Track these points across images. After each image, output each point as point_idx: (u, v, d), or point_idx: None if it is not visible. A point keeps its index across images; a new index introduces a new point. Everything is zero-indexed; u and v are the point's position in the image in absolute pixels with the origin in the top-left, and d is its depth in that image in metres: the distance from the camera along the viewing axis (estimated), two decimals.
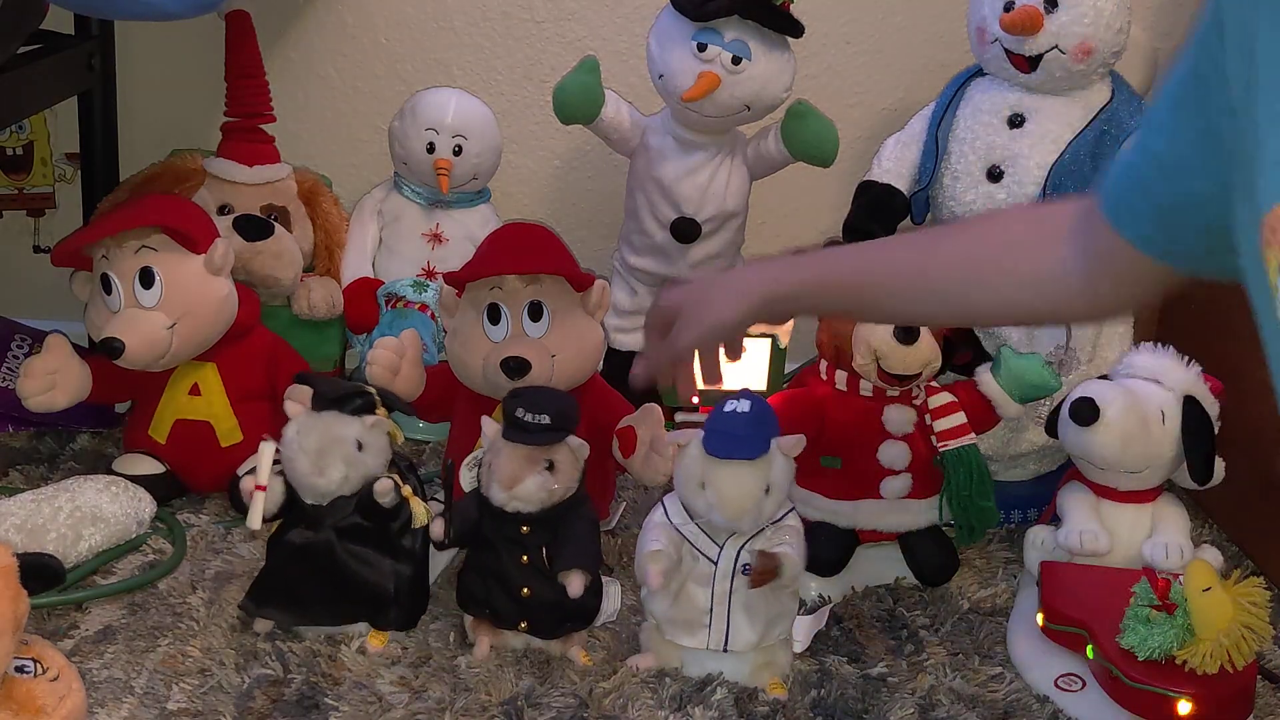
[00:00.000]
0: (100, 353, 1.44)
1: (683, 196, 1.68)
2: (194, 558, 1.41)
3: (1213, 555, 1.39)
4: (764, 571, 1.19)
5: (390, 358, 1.40)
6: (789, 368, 1.65)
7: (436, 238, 1.76)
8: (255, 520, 1.25)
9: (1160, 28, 1.80)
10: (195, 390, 1.51)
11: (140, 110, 1.86)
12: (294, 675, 1.22)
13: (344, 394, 1.26)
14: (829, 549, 1.41)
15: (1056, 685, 1.26)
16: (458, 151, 1.72)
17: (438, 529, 1.25)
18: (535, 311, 1.39)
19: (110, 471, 1.49)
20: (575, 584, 1.21)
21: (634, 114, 1.71)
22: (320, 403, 1.25)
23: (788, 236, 1.76)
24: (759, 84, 1.63)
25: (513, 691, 1.21)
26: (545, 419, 1.22)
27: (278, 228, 1.65)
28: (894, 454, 1.41)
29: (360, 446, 1.25)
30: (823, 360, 1.45)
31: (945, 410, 1.42)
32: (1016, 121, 1.57)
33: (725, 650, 1.23)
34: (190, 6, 1.52)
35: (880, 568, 1.46)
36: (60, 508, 1.35)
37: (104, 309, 1.46)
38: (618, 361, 1.73)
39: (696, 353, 1.14)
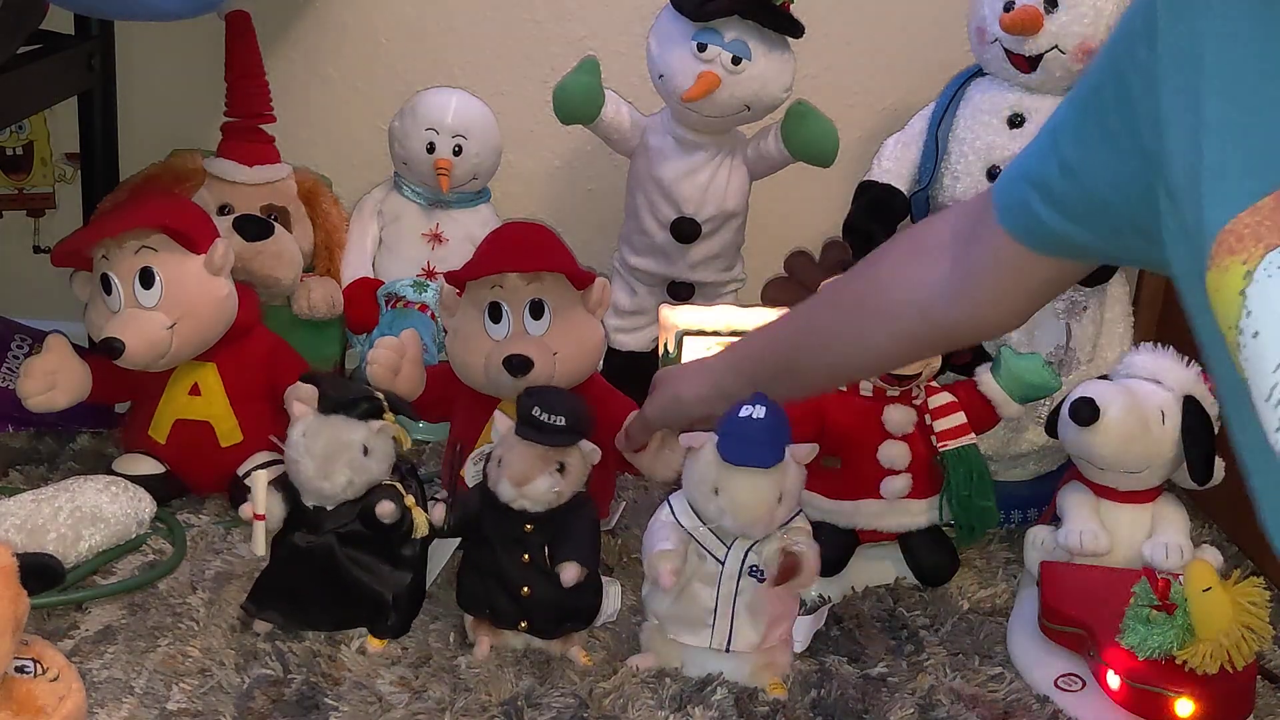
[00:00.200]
0: (100, 353, 1.44)
1: (683, 196, 1.68)
2: (194, 558, 1.41)
3: (1213, 555, 1.39)
4: (786, 570, 1.18)
5: (391, 357, 1.40)
6: None
7: (436, 238, 1.76)
8: (259, 547, 1.27)
9: None
10: (195, 390, 1.51)
11: (140, 110, 1.86)
12: (294, 675, 1.22)
13: (352, 398, 1.26)
14: (829, 549, 1.41)
15: (1056, 685, 1.26)
16: (458, 151, 1.72)
17: (438, 513, 1.25)
18: (536, 309, 1.39)
19: (110, 471, 1.49)
20: (570, 572, 1.21)
21: (634, 114, 1.71)
22: (328, 405, 1.25)
23: (788, 236, 1.75)
24: (759, 84, 1.63)
25: (513, 691, 1.21)
26: (561, 420, 1.22)
27: (278, 228, 1.65)
28: (894, 454, 1.41)
29: (366, 451, 1.25)
30: None
31: (945, 410, 1.42)
32: (1016, 121, 1.57)
33: (727, 650, 1.23)
34: (190, 6, 1.52)
35: (880, 568, 1.46)
36: (60, 508, 1.35)
37: (104, 309, 1.46)
38: (618, 361, 1.73)
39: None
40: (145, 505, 1.44)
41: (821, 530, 1.41)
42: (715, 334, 1.58)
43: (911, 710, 1.23)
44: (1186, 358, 1.40)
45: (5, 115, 1.65)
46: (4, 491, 1.45)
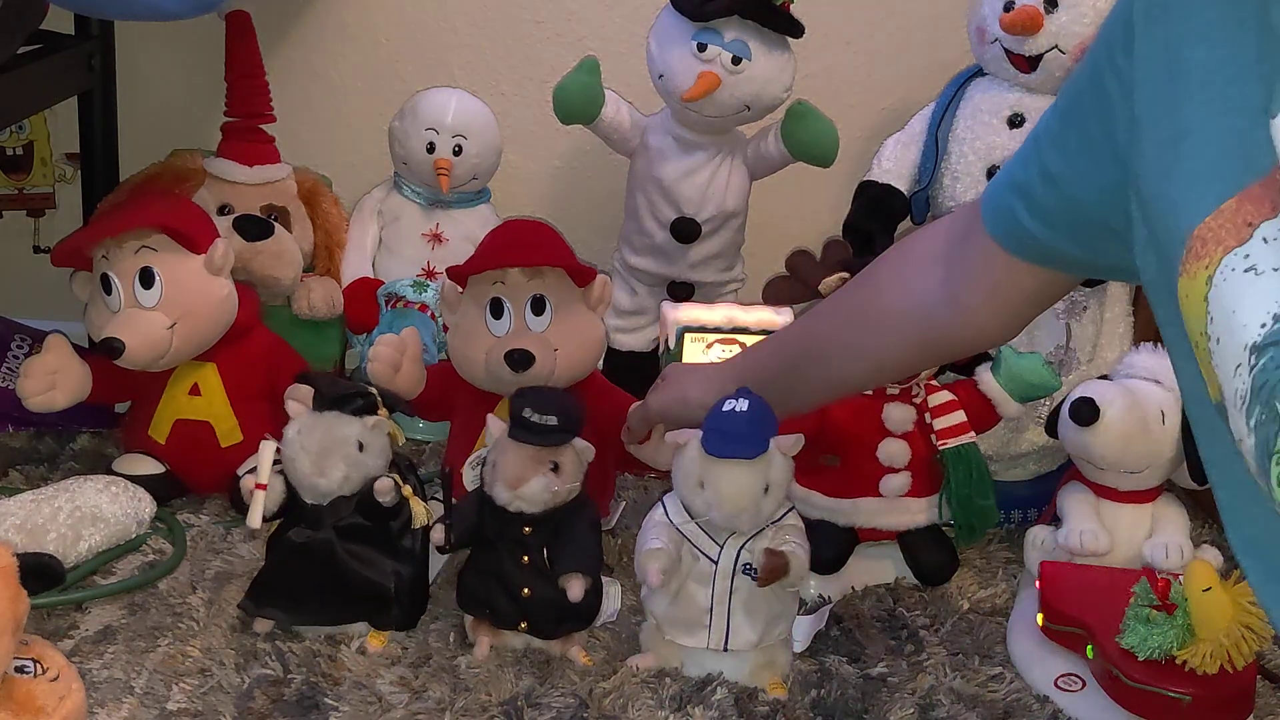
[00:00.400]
0: (100, 353, 1.44)
1: (683, 196, 1.68)
2: (194, 558, 1.41)
3: (1213, 555, 1.39)
4: (772, 570, 1.18)
5: (392, 355, 1.40)
6: None
7: (436, 238, 1.76)
8: (255, 519, 1.25)
9: None
10: (195, 390, 1.51)
11: (140, 110, 1.86)
12: (294, 675, 1.22)
13: (345, 394, 1.26)
14: (828, 547, 1.41)
15: (1056, 685, 1.26)
16: (458, 151, 1.72)
17: (439, 535, 1.25)
18: (538, 305, 1.39)
19: (110, 471, 1.49)
20: (575, 588, 1.21)
21: (634, 114, 1.71)
22: (322, 403, 1.26)
23: (788, 236, 1.75)
24: (759, 84, 1.63)
25: (513, 691, 1.21)
26: (552, 420, 1.22)
27: (278, 228, 1.65)
28: (893, 451, 1.41)
29: (361, 447, 1.25)
30: None
31: (945, 409, 1.42)
32: (1016, 121, 1.57)
33: (725, 650, 1.23)
34: (190, 6, 1.52)
35: (880, 567, 1.46)
36: (60, 508, 1.35)
37: (104, 309, 1.46)
38: (618, 361, 1.73)
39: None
40: (145, 505, 1.44)
41: (820, 528, 1.41)
42: (716, 331, 1.58)
43: (911, 710, 1.23)
44: None
45: (5, 115, 1.65)
46: (4, 491, 1.45)
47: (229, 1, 1.70)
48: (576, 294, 1.42)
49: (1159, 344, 1.43)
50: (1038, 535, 1.43)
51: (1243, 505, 0.71)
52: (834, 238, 1.62)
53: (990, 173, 1.57)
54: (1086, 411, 1.36)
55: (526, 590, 1.24)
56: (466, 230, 1.76)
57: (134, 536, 1.41)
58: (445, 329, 1.62)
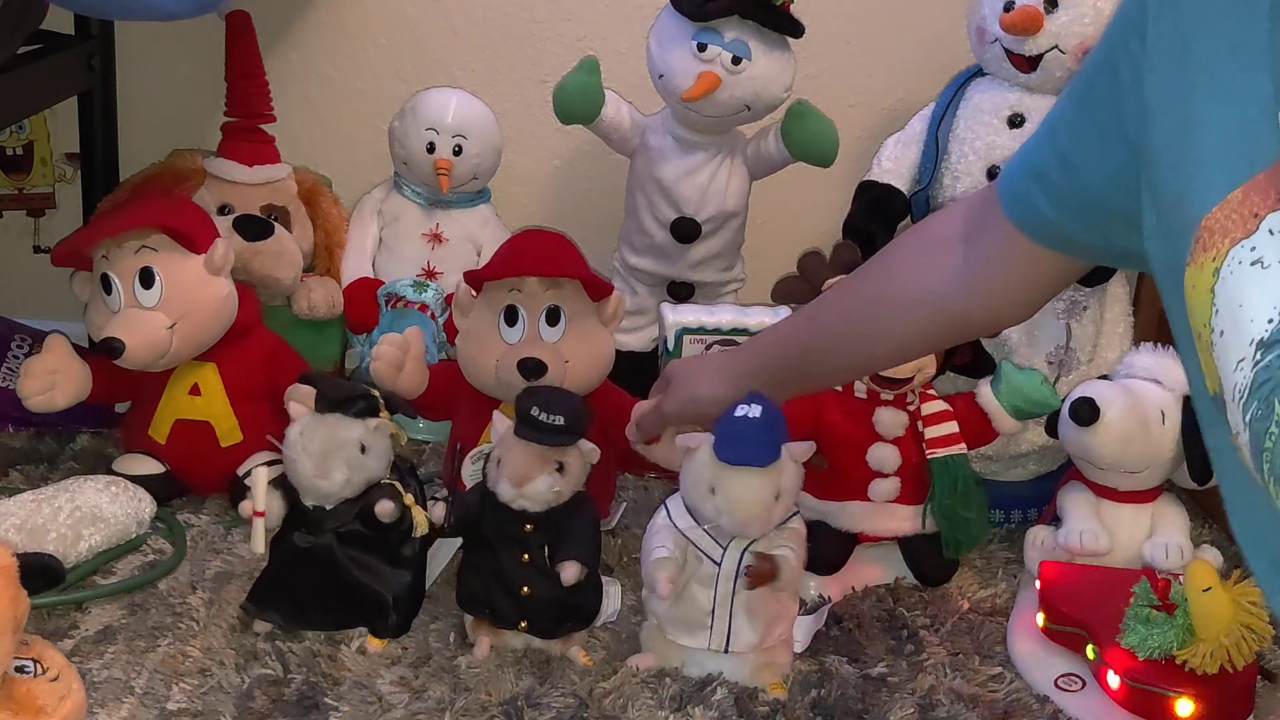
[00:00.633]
0: (100, 353, 1.44)
1: (683, 196, 1.68)
2: (194, 558, 1.41)
3: (1213, 555, 1.39)
4: (760, 574, 1.18)
5: (395, 354, 1.40)
6: None
7: (436, 238, 1.76)
8: (258, 545, 1.28)
9: None
10: (195, 390, 1.51)
11: (140, 110, 1.86)
12: (294, 675, 1.22)
13: (348, 396, 1.26)
14: (828, 548, 1.41)
15: (1056, 685, 1.26)
16: (458, 151, 1.72)
17: (439, 512, 1.25)
18: (553, 316, 1.39)
19: (110, 471, 1.49)
20: (570, 571, 1.21)
21: (634, 114, 1.71)
22: (324, 404, 1.26)
23: (788, 236, 1.76)
24: (759, 84, 1.63)
25: (513, 691, 1.21)
26: (560, 420, 1.22)
27: (278, 228, 1.65)
28: (883, 456, 1.41)
29: (363, 449, 1.25)
30: None
31: (938, 418, 1.42)
32: (1016, 121, 1.57)
33: (726, 651, 1.23)
34: (190, 6, 1.52)
35: (880, 568, 1.46)
36: (60, 508, 1.35)
37: (104, 309, 1.46)
38: (618, 361, 1.72)
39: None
40: (145, 505, 1.44)
41: (820, 529, 1.41)
42: (715, 332, 1.58)
43: (911, 710, 1.23)
44: None
45: (5, 115, 1.65)
46: (4, 491, 1.45)
47: (229, 1, 1.70)
48: (591, 308, 1.42)
49: (1159, 344, 1.43)
50: (1038, 535, 1.43)
51: (1243, 496, 0.71)
52: (843, 241, 1.62)
53: (990, 172, 1.57)
54: (1086, 411, 1.36)
55: (526, 589, 1.24)
56: (466, 230, 1.76)
57: (134, 536, 1.41)
58: (446, 329, 1.62)
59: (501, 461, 1.23)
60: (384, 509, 1.24)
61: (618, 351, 1.73)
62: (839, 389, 1.42)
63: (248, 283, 1.58)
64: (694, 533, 1.22)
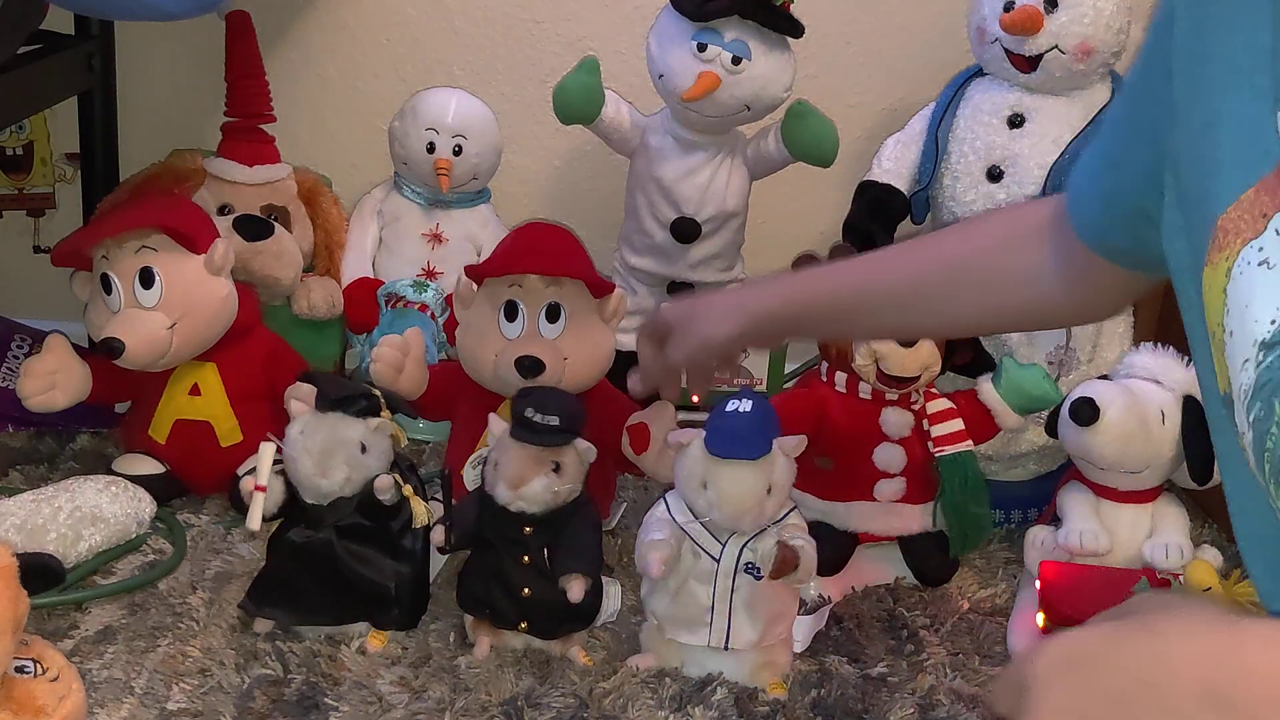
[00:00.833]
0: (100, 353, 1.44)
1: (683, 196, 1.68)
2: (194, 558, 1.41)
3: (1213, 555, 1.39)
4: (783, 563, 1.19)
5: (395, 355, 1.40)
6: (789, 368, 1.65)
7: (436, 238, 1.76)
8: (255, 521, 1.25)
9: None
10: (195, 390, 1.51)
11: (140, 110, 1.86)
12: (294, 675, 1.22)
13: (349, 395, 1.26)
14: (828, 548, 1.41)
15: None
16: (458, 151, 1.72)
17: (439, 536, 1.25)
18: (553, 313, 1.39)
19: (110, 471, 1.49)
20: (575, 590, 1.21)
21: (634, 114, 1.71)
22: (325, 403, 1.25)
23: (788, 236, 1.76)
24: (759, 84, 1.63)
25: (513, 691, 1.21)
26: (554, 420, 1.22)
27: (278, 228, 1.65)
28: (889, 456, 1.41)
29: (364, 449, 1.25)
30: (824, 362, 1.45)
31: (943, 416, 1.42)
32: (1016, 122, 1.57)
33: (726, 648, 1.23)
34: (190, 6, 1.52)
35: (880, 568, 1.46)
36: (60, 508, 1.35)
37: (104, 309, 1.46)
38: (618, 361, 1.72)
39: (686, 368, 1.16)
40: (145, 505, 1.44)
41: (820, 530, 1.41)
42: None
43: (911, 710, 1.23)
44: (1186, 358, 1.40)
45: (5, 115, 1.65)
46: (4, 491, 1.45)
47: (229, 1, 1.70)
48: (592, 305, 1.42)
49: (1159, 344, 1.43)
50: (1038, 535, 1.43)
51: (1246, 499, 0.71)
52: (840, 243, 1.62)
53: (990, 172, 1.57)
54: (1086, 411, 1.36)
55: (526, 590, 1.24)
56: (466, 230, 1.76)
57: (134, 536, 1.41)
58: (446, 329, 1.62)
59: (498, 464, 1.23)
60: (382, 483, 1.24)
61: (618, 352, 1.73)
62: (842, 390, 1.42)
63: (248, 283, 1.58)
64: (692, 527, 1.22)
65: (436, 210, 1.76)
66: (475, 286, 1.42)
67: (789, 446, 1.21)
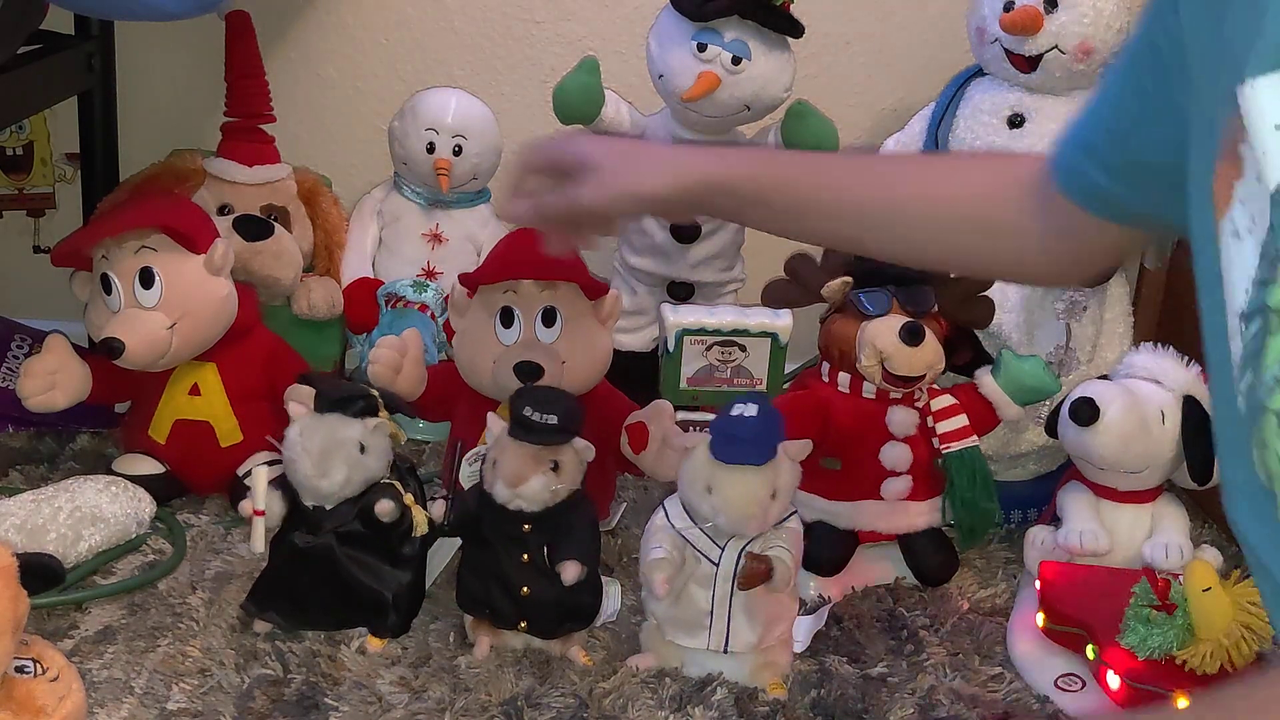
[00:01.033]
0: (100, 353, 1.44)
1: None
2: (194, 558, 1.41)
3: (1213, 555, 1.39)
4: (753, 574, 1.18)
5: (393, 356, 1.40)
6: (789, 368, 1.65)
7: (436, 238, 1.76)
8: (257, 544, 1.28)
9: None
10: (195, 390, 1.51)
11: (140, 110, 1.86)
12: (294, 675, 1.22)
13: (347, 396, 1.26)
14: (829, 549, 1.41)
15: (1056, 685, 1.26)
16: (458, 151, 1.72)
17: (438, 510, 1.25)
18: (549, 317, 1.39)
19: (110, 471, 1.49)
20: (570, 571, 1.21)
21: (634, 114, 1.71)
22: (323, 404, 1.26)
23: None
24: (759, 84, 1.63)
25: (513, 691, 1.21)
26: (553, 419, 1.22)
27: (278, 228, 1.65)
28: (896, 455, 1.41)
29: (363, 449, 1.25)
30: (824, 363, 1.45)
31: (948, 413, 1.42)
32: (1016, 121, 1.57)
33: (726, 651, 1.23)
34: (190, 6, 1.52)
35: (880, 568, 1.46)
36: (60, 508, 1.35)
37: (104, 309, 1.46)
38: (618, 361, 1.72)
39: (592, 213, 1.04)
40: (145, 505, 1.44)
41: (821, 529, 1.41)
42: (715, 332, 1.58)
43: (911, 710, 1.23)
44: (1186, 358, 1.40)
45: (5, 115, 1.65)
46: (4, 491, 1.45)
47: (229, 1, 1.70)
48: (587, 307, 1.42)
49: (1159, 344, 1.43)
50: (1038, 535, 1.43)
51: (1239, 467, 0.71)
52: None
53: None
54: (1086, 411, 1.36)
55: (526, 589, 1.24)
56: (466, 230, 1.76)
57: (134, 536, 1.41)
58: (446, 329, 1.62)
59: (496, 463, 1.24)
60: (384, 508, 1.24)
61: (618, 352, 1.73)
62: (846, 390, 1.42)
63: (248, 283, 1.58)
64: (691, 533, 1.22)
65: (436, 210, 1.76)
66: (470, 294, 1.42)
67: (794, 451, 1.21)
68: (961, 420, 1.42)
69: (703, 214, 1.07)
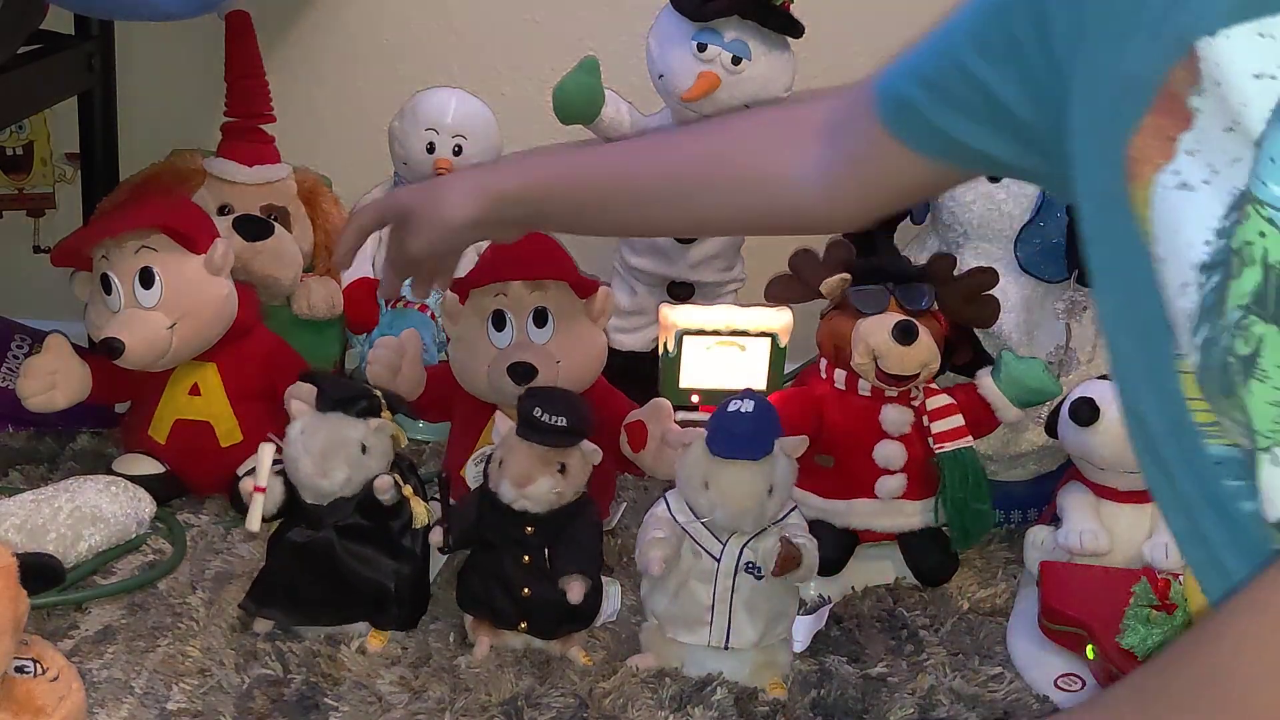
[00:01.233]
0: (100, 353, 1.44)
1: None
2: (194, 558, 1.41)
3: None
4: (786, 560, 1.19)
5: (390, 357, 1.40)
6: (789, 368, 1.65)
7: None
8: (254, 522, 1.25)
9: None
10: (195, 390, 1.51)
11: (140, 110, 1.86)
12: (294, 675, 1.22)
13: (349, 395, 1.26)
14: (828, 548, 1.41)
15: (1056, 685, 1.26)
16: (458, 152, 1.72)
17: (437, 536, 1.25)
18: (540, 317, 1.39)
19: (110, 471, 1.49)
20: (575, 590, 1.21)
21: (634, 114, 1.71)
22: (325, 404, 1.26)
23: (787, 237, 1.75)
24: (759, 84, 1.63)
25: (513, 691, 1.21)
26: (562, 421, 1.22)
27: (278, 228, 1.65)
28: (889, 454, 1.41)
29: (364, 449, 1.25)
30: (823, 359, 1.45)
31: (943, 412, 1.42)
32: None
33: (726, 648, 1.23)
34: (190, 6, 1.52)
35: (880, 568, 1.46)
36: (60, 508, 1.35)
37: (104, 309, 1.46)
38: (618, 362, 1.73)
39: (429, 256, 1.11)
40: (145, 505, 1.44)
41: (820, 529, 1.41)
42: (715, 333, 1.58)
43: (911, 710, 1.23)
44: None
45: (5, 115, 1.65)
46: (4, 491, 1.45)
47: (229, 1, 1.70)
48: (579, 305, 1.42)
49: None
50: (1038, 535, 1.43)
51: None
52: (837, 238, 1.62)
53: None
54: (1086, 411, 1.36)
55: (527, 590, 1.24)
56: None
57: (134, 536, 1.41)
58: (448, 337, 1.62)
59: (503, 462, 1.24)
60: (382, 484, 1.24)
61: (618, 352, 1.73)
62: (841, 387, 1.42)
63: (248, 283, 1.58)
64: (693, 527, 1.22)
65: None
66: (461, 301, 1.42)
67: (790, 447, 1.22)
68: (956, 420, 1.42)
69: (522, 227, 1.13)
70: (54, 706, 1.03)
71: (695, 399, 1.60)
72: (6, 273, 1.94)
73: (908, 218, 1.64)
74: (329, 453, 1.24)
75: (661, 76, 1.64)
